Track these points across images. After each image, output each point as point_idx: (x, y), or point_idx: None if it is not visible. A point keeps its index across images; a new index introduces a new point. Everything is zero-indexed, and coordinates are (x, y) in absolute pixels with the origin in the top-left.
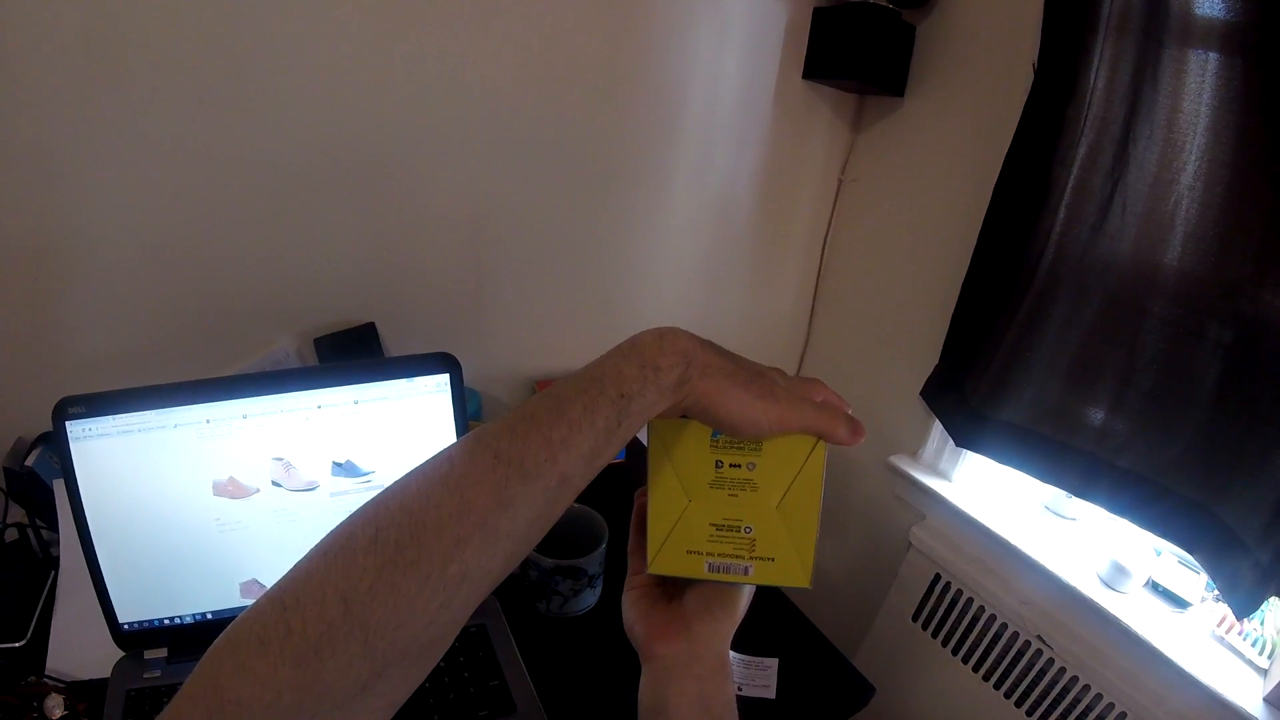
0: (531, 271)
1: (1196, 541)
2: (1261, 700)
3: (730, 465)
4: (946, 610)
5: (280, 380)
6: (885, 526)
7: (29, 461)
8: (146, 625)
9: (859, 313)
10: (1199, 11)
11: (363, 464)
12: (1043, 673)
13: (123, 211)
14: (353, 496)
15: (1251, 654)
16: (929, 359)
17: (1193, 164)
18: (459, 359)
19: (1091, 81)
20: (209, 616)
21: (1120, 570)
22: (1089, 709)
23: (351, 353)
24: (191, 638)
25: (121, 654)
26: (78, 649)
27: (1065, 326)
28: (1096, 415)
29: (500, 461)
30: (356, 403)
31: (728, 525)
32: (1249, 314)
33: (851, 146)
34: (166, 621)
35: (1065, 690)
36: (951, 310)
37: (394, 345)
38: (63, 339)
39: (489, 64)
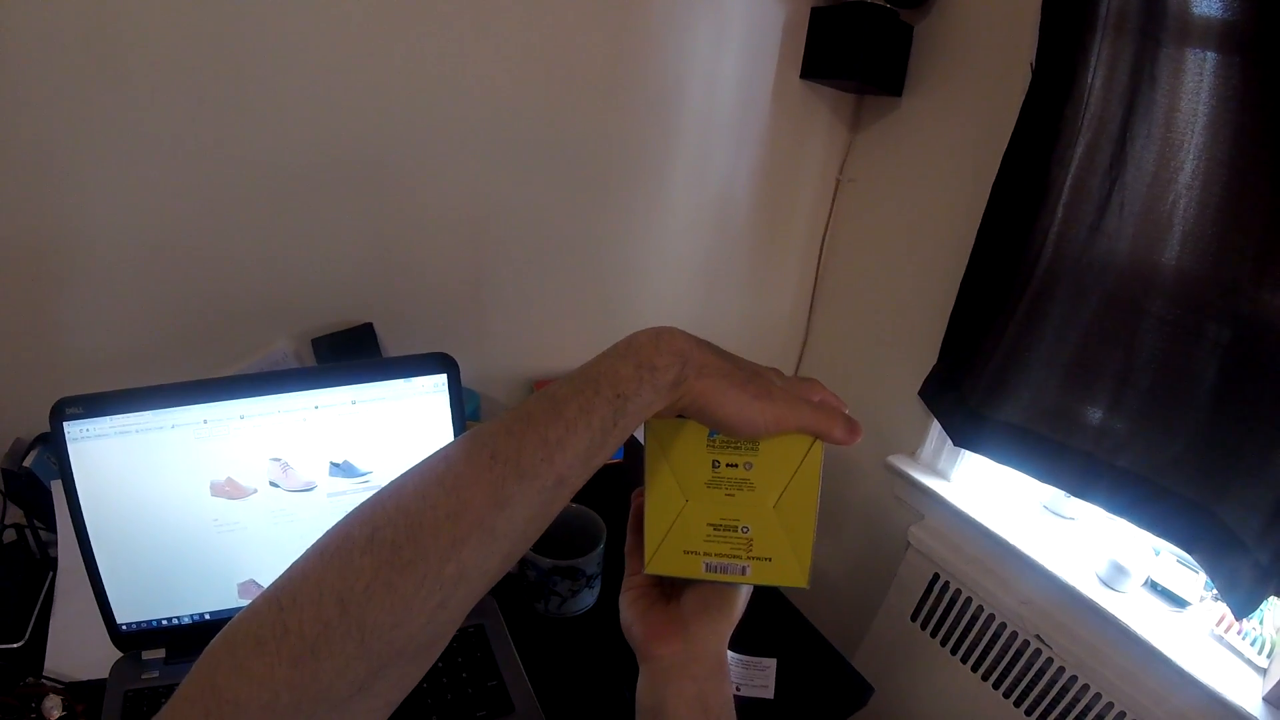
0: (530, 272)
1: (1195, 541)
2: (1261, 700)
3: (727, 465)
4: (945, 610)
5: (278, 381)
6: (884, 526)
7: (27, 462)
8: (144, 626)
9: (857, 312)
10: (1196, 10)
11: (360, 464)
12: (1042, 672)
13: (121, 212)
14: (350, 497)
15: (1251, 653)
16: (927, 358)
17: (1191, 163)
18: (457, 359)
19: (1089, 81)
20: (207, 617)
21: (1119, 570)
22: (1088, 708)
23: (349, 353)
24: (189, 638)
25: (120, 655)
26: (76, 650)
27: (1063, 326)
28: (1095, 415)
29: (497, 461)
30: (354, 403)
31: (725, 525)
32: (1247, 313)
33: (849, 146)
34: (164, 622)
35: (1064, 690)
36: (950, 310)
37: (392, 346)
38: (61, 340)
39: (488, 64)
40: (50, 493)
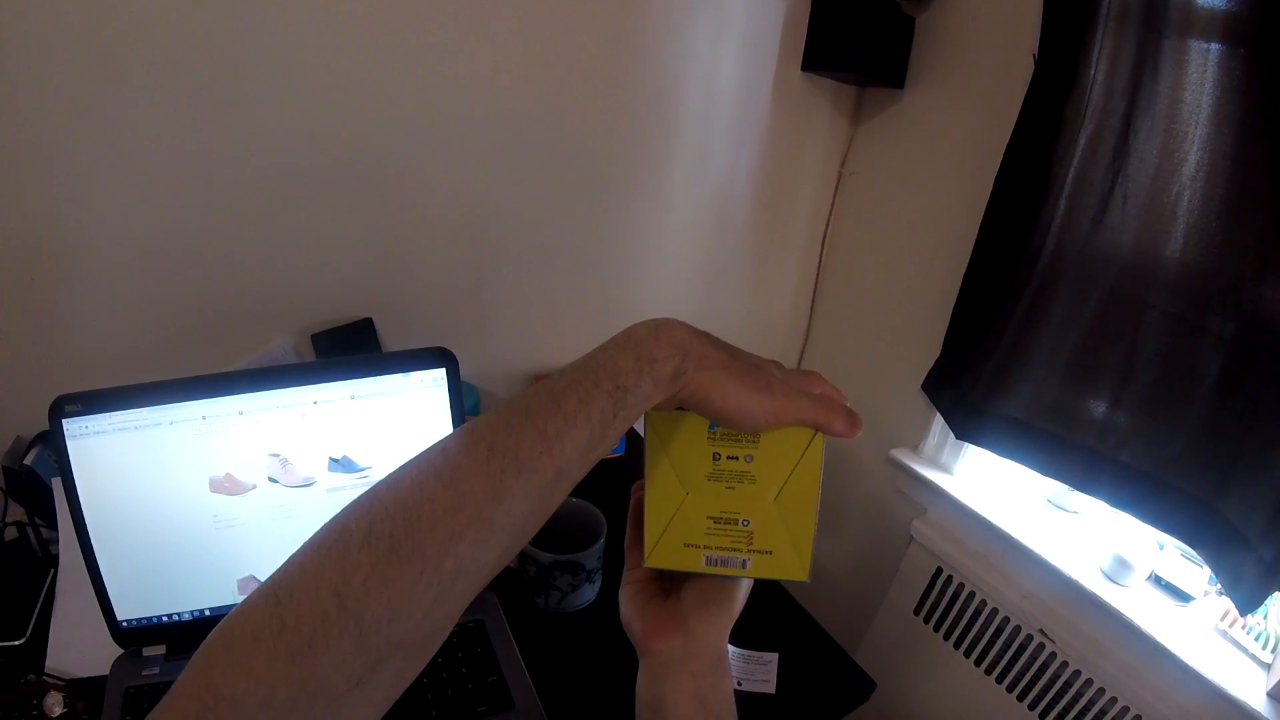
0: (529, 267)
1: (1199, 537)
2: (1265, 695)
3: (728, 458)
4: (948, 604)
5: (276, 376)
6: (886, 520)
7: (28, 460)
8: (145, 622)
9: (859, 306)
10: (1199, 2)
11: (359, 459)
12: (1045, 667)
13: (120, 210)
14: (350, 492)
15: (1255, 648)
16: (930, 352)
17: (1194, 155)
18: (457, 354)
19: (1092, 72)
20: (207, 613)
21: (1123, 564)
22: (1091, 703)
23: (349, 348)
24: (190, 635)
25: (120, 651)
26: (77, 647)
27: (1065, 320)
28: (1097, 409)
29: (495, 455)
30: (353, 398)
31: (725, 518)
32: (1251, 308)
33: (851, 139)
34: (165, 619)
35: (1068, 684)
36: (953, 303)
37: (391, 341)
38: (61, 338)
39: (485, 59)
40: (51, 490)
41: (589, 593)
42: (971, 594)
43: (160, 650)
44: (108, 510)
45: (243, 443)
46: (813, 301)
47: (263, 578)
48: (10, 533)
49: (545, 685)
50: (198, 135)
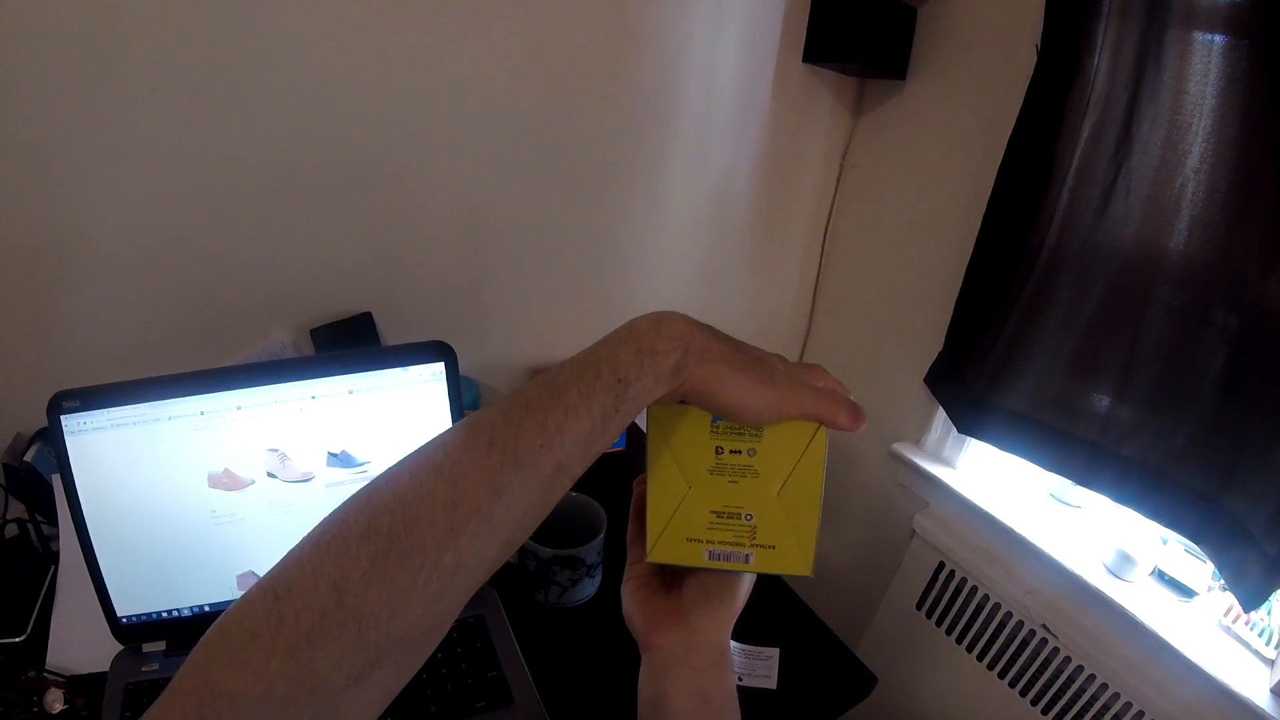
0: (529, 262)
1: (1202, 532)
2: (1268, 691)
3: (730, 452)
4: (951, 599)
5: (274, 371)
6: (888, 515)
7: (28, 457)
8: (145, 618)
9: (862, 299)
10: None
11: (358, 454)
12: (1048, 662)
13: (119, 207)
14: (348, 487)
15: (1258, 644)
16: (933, 345)
17: (1198, 147)
18: (456, 348)
19: (1095, 63)
20: (206, 609)
21: (1126, 559)
22: (1094, 699)
23: (348, 343)
24: (189, 630)
25: (120, 647)
26: (77, 643)
27: (1068, 313)
28: (1100, 403)
29: (495, 448)
30: (351, 393)
31: (728, 513)
32: (1256, 301)
33: (853, 131)
34: (164, 615)
35: (1070, 680)
36: (955, 296)
37: (391, 335)
38: (61, 335)
39: (483, 55)
40: (52, 487)
41: (589, 588)
42: (974, 589)
43: (160, 646)
44: (107, 506)
45: (241, 438)
46: (814, 295)
47: (262, 573)
48: (11, 530)
49: (545, 681)
50: (197, 132)
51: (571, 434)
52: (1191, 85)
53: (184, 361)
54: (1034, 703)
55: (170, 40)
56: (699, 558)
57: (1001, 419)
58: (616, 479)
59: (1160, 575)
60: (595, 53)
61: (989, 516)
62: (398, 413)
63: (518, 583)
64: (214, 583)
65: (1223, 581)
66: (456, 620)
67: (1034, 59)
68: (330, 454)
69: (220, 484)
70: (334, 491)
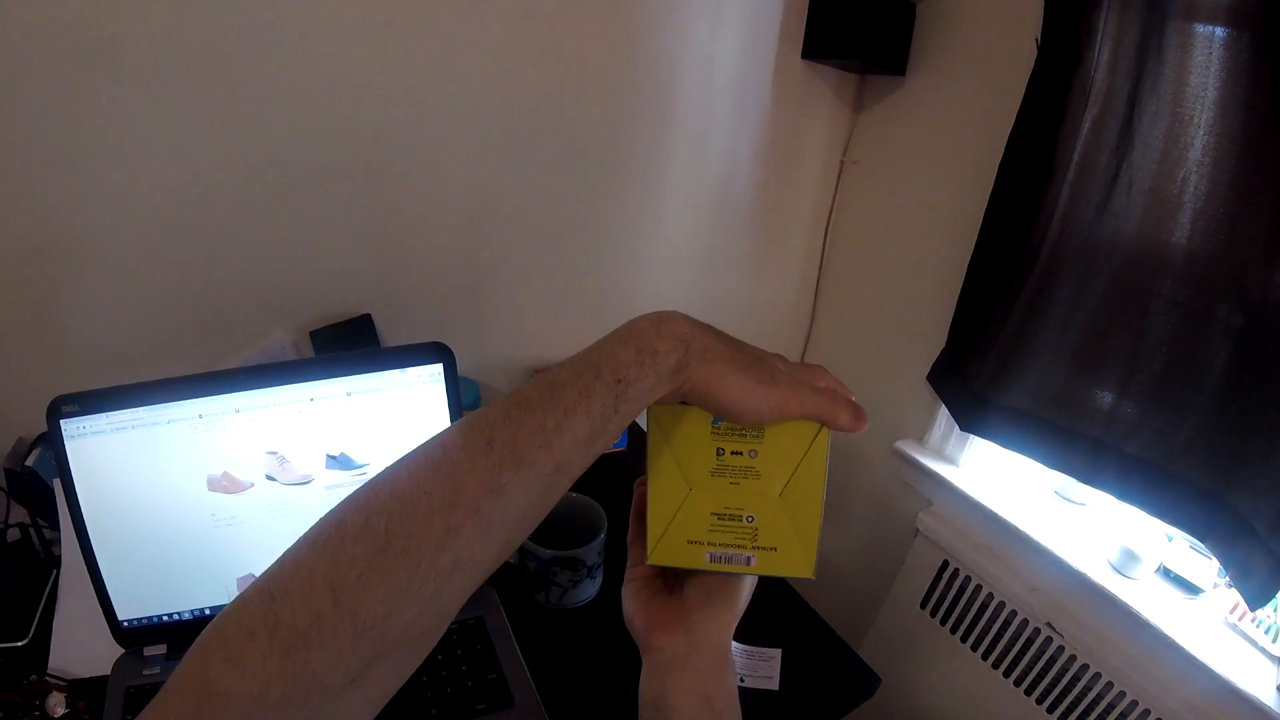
0: (528, 260)
1: (1207, 529)
2: (1275, 689)
3: (732, 453)
4: (955, 597)
5: (271, 373)
6: (891, 513)
7: (29, 461)
8: (146, 622)
9: (864, 296)
10: None
11: (357, 456)
12: (1053, 660)
13: (119, 210)
14: (347, 489)
15: (1265, 641)
16: (935, 342)
17: (1200, 140)
18: (456, 349)
19: (1095, 56)
20: (207, 612)
21: (1131, 556)
22: (1099, 697)
23: (347, 345)
24: (190, 634)
25: (122, 651)
26: (79, 647)
27: (1070, 308)
28: (1103, 399)
29: (493, 448)
30: (349, 395)
31: (729, 514)
32: (1260, 296)
33: (853, 127)
34: (165, 618)
35: (1075, 678)
36: (957, 292)
37: (390, 336)
38: (61, 339)
39: (480, 53)
40: (53, 491)
41: (590, 589)
42: (978, 587)
43: (161, 649)
44: (107, 510)
45: (240, 441)
46: (816, 293)
47: None
48: (13, 534)
49: (545, 682)
50: (195, 134)
51: (571, 434)
52: (1193, 78)
53: (185, 364)
54: (1039, 701)
55: (169, 41)
56: (700, 560)
57: (1004, 416)
58: (617, 479)
59: (1165, 572)
60: (593, 52)
61: (993, 514)
62: (396, 414)
63: (518, 584)
64: (214, 586)
65: (1228, 579)
66: (457, 622)
67: (1034, 53)
68: (329, 456)
69: (219, 487)
70: (333, 494)
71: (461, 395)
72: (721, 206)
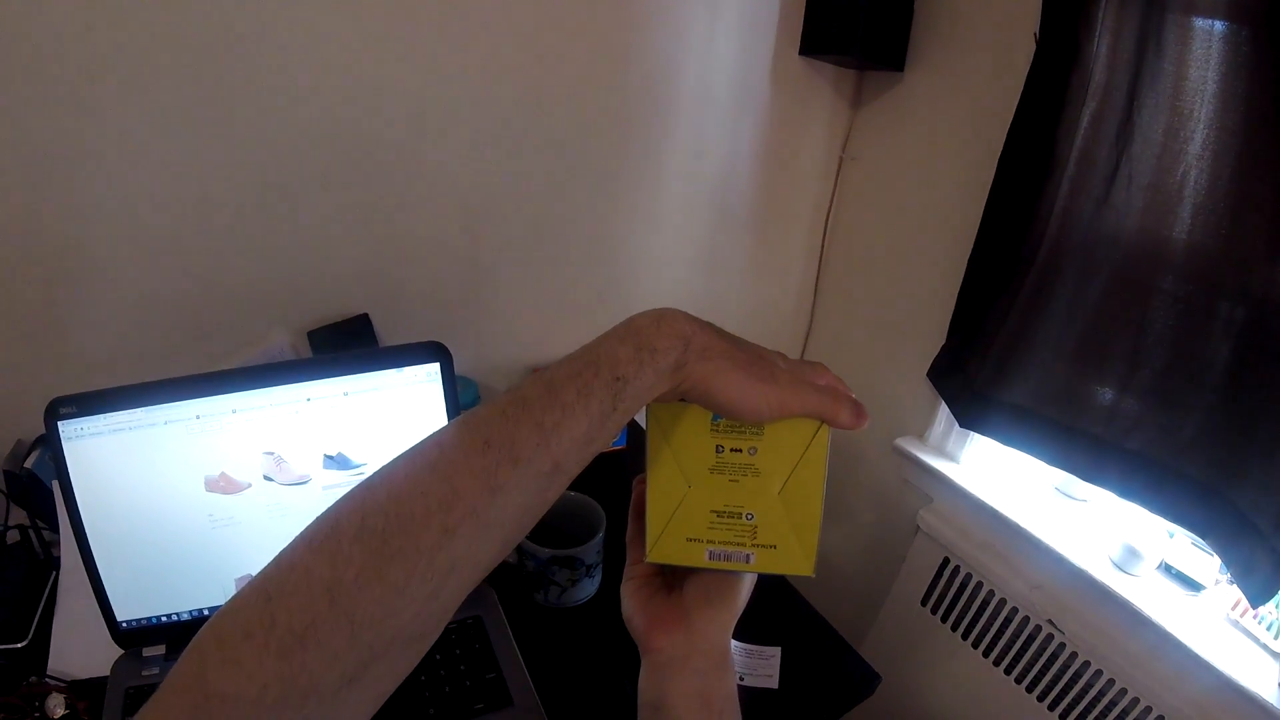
0: (527, 259)
1: (1209, 526)
2: (1277, 686)
3: (731, 450)
4: (956, 595)
5: (268, 374)
6: (892, 511)
7: (28, 463)
8: (144, 623)
9: (864, 293)
10: None
11: (355, 456)
12: (1054, 657)
13: (117, 213)
14: (345, 490)
15: (1267, 638)
16: (936, 338)
17: (1200, 134)
18: (455, 348)
19: (1094, 49)
20: (205, 613)
21: (1132, 553)
22: (1101, 694)
23: (346, 345)
24: (189, 635)
25: (121, 652)
26: (79, 648)
27: (1071, 304)
28: (1104, 396)
29: (490, 447)
30: (346, 394)
31: (729, 512)
32: (1262, 291)
33: (852, 124)
34: (164, 619)
35: (1077, 675)
36: (958, 288)
37: (389, 336)
38: (59, 341)
39: (477, 50)
40: (52, 493)
41: (588, 588)
42: (979, 584)
43: (160, 650)
44: (105, 511)
45: (237, 441)
46: (815, 290)
47: None
48: (12, 536)
49: (544, 682)
50: (192, 134)
51: (569, 432)
52: (1192, 71)
53: (184, 365)
54: (1040, 698)
55: (167, 42)
56: (699, 558)
57: (1004, 413)
58: (616, 478)
59: (1167, 569)
60: (589, 50)
61: (994, 511)
62: (393, 414)
63: (516, 583)
64: (213, 586)
65: (1230, 575)
66: (455, 621)
67: (1033, 48)
68: (326, 456)
69: (217, 488)
70: (331, 494)
71: (460, 395)
72: (720, 204)
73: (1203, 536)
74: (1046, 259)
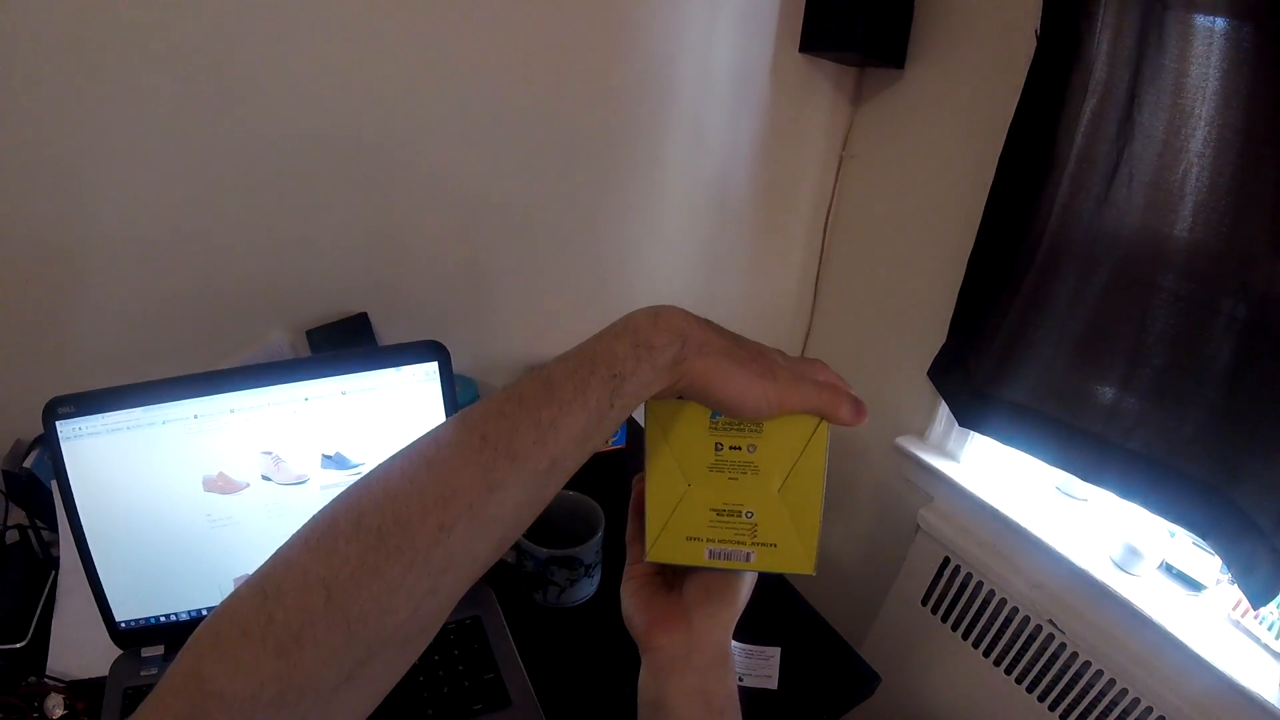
0: (525, 257)
1: (1210, 526)
2: (1278, 686)
3: (730, 448)
4: (956, 594)
5: (266, 373)
6: (892, 510)
7: (27, 463)
8: (143, 623)
9: (864, 291)
10: None
11: (353, 456)
12: (1054, 657)
13: (116, 211)
14: (343, 489)
15: (1268, 638)
16: (936, 337)
17: (1201, 131)
18: (453, 347)
19: (1095, 46)
20: (204, 613)
21: (1133, 552)
22: (1102, 694)
23: (344, 344)
24: (188, 635)
25: (120, 652)
26: (78, 648)
27: (1071, 302)
28: (1105, 394)
29: (487, 444)
30: (344, 394)
31: (728, 510)
32: (1264, 289)
33: (851, 121)
34: (162, 619)
35: (1078, 675)
36: (958, 286)
37: (387, 335)
38: (58, 340)
39: (475, 47)
40: (51, 493)
41: (587, 588)
42: (980, 584)
43: (159, 650)
44: (103, 511)
45: (235, 441)
46: (815, 288)
47: None
48: (11, 536)
49: (542, 682)
50: (191, 133)
51: (566, 429)
52: (1193, 69)
53: (183, 365)
54: (1041, 698)
55: (165, 40)
56: (699, 556)
57: (1005, 412)
58: (615, 477)
59: (1168, 569)
60: (588, 47)
61: (995, 511)
62: (391, 413)
63: (515, 583)
64: (211, 586)
65: (1231, 575)
66: (453, 621)
67: (1033, 45)
68: (324, 456)
69: (215, 487)
70: (329, 493)
71: (458, 393)
72: (720, 202)
73: (1203, 536)
74: (1047, 257)
